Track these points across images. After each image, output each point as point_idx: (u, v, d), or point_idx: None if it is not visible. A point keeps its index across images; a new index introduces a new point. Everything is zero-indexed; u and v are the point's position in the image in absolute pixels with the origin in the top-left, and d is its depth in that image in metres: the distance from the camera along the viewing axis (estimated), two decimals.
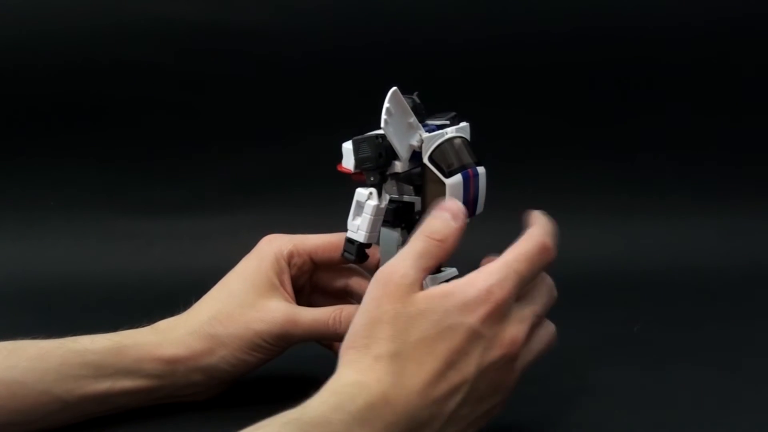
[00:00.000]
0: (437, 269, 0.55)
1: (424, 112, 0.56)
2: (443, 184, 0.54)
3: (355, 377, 0.47)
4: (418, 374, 0.47)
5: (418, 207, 0.56)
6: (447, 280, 0.54)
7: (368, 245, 0.57)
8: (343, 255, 0.58)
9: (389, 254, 0.57)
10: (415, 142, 0.54)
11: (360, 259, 0.57)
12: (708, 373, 0.67)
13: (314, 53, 0.96)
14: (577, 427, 0.58)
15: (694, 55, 0.97)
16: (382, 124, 0.52)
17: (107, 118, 0.98)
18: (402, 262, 0.50)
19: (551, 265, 0.52)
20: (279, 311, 0.59)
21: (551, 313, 0.53)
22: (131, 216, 0.98)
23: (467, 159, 0.55)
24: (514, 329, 0.49)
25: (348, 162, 0.56)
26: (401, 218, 0.57)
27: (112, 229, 0.97)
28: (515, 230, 0.57)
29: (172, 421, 0.59)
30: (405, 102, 0.53)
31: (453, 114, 0.57)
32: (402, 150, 0.54)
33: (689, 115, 0.98)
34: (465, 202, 0.55)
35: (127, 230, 0.97)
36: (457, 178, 0.54)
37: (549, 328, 0.53)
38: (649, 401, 0.62)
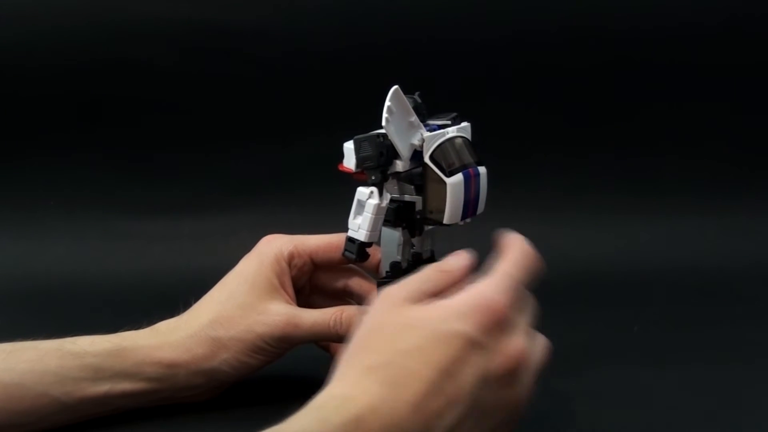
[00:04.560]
0: None
1: (425, 112, 0.56)
2: (444, 183, 0.54)
3: (341, 390, 0.45)
4: (410, 385, 0.44)
5: (419, 206, 0.56)
6: None
7: (369, 244, 0.57)
8: (344, 254, 0.57)
9: (390, 254, 0.58)
10: (416, 141, 0.54)
11: (361, 258, 0.57)
12: (708, 372, 0.66)
13: (314, 53, 0.96)
14: (578, 427, 0.58)
15: (695, 55, 0.97)
16: (384, 123, 0.52)
17: (107, 118, 0.97)
18: (403, 282, 0.49)
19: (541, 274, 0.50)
20: (280, 313, 0.58)
21: (552, 312, 0.53)
22: (131, 216, 0.97)
23: (468, 158, 0.55)
24: (519, 339, 0.46)
25: (349, 161, 0.56)
26: (402, 218, 0.57)
27: (112, 229, 0.97)
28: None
29: (172, 422, 0.59)
30: (406, 101, 0.53)
31: (454, 114, 0.58)
32: (403, 149, 0.54)
33: (690, 114, 0.98)
34: (466, 202, 0.55)
35: (127, 230, 0.97)
36: (458, 177, 0.54)
37: (543, 341, 0.50)
38: (649, 401, 0.62)
